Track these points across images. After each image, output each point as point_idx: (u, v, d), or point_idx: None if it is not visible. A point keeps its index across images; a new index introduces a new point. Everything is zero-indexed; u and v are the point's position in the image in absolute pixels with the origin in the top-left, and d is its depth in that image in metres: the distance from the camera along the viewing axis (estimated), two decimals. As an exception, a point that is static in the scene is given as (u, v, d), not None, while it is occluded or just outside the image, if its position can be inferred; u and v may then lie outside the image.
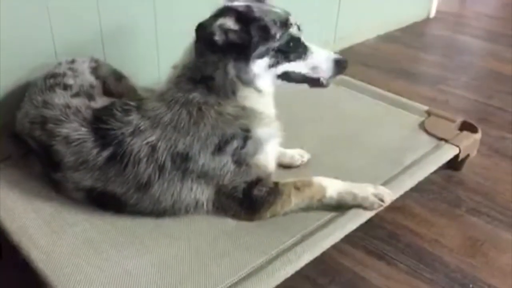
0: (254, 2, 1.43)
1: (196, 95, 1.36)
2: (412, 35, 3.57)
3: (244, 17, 1.32)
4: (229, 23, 1.30)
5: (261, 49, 1.36)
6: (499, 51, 3.33)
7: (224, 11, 1.33)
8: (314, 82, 1.49)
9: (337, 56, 1.48)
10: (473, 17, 4.01)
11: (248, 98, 1.41)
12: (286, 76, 1.46)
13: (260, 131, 1.41)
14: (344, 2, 3.04)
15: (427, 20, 3.87)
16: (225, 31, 1.30)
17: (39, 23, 1.76)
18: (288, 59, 1.42)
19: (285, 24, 1.39)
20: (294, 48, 1.42)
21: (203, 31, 1.30)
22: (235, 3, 1.39)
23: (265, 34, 1.34)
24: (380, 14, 3.42)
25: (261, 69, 1.39)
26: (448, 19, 3.90)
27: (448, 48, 3.38)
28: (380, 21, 3.46)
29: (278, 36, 1.36)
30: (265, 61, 1.39)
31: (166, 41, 2.20)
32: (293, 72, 1.46)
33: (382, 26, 3.50)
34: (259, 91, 1.42)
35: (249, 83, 1.39)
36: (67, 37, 1.85)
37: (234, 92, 1.38)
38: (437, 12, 3.92)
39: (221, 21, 1.29)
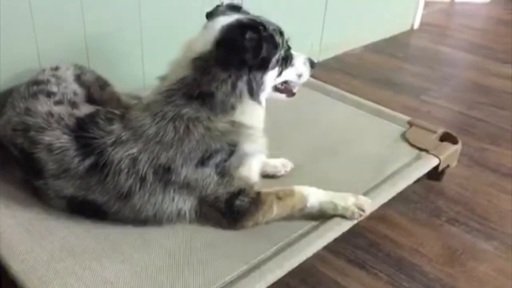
0: (243, 13, 1.46)
1: (189, 111, 1.35)
2: (397, 45, 3.62)
3: (261, 30, 1.35)
4: (254, 37, 1.32)
5: (273, 60, 1.41)
6: (481, 63, 3.39)
7: (238, 26, 1.34)
8: (288, 91, 1.57)
9: (307, 57, 1.57)
10: (456, 29, 4.08)
11: (245, 112, 1.41)
12: (279, 86, 1.53)
13: (247, 146, 1.42)
14: (330, 12, 3.08)
15: (411, 31, 3.92)
16: (253, 46, 1.31)
17: (23, 29, 1.76)
18: (286, 67, 1.49)
19: (281, 32, 1.45)
20: (289, 56, 1.49)
21: (231, 47, 1.32)
22: (233, 17, 1.40)
23: (274, 44, 1.39)
24: (366, 25, 3.47)
25: (270, 80, 1.45)
26: (432, 31, 3.96)
27: (431, 59, 3.43)
28: (366, 31, 3.50)
29: (281, 45, 1.42)
30: (274, 71, 1.44)
31: (151, 47, 2.20)
32: (285, 81, 1.54)
33: (368, 36, 3.55)
34: (260, 103, 1.45)
35: (257, 96, 1.42)
36: (51, 43, 1.84)
37: (233, 107, 1.38)
38: (421, 23, 3.98)
39: (249, 35, 1.30)
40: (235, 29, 1.34)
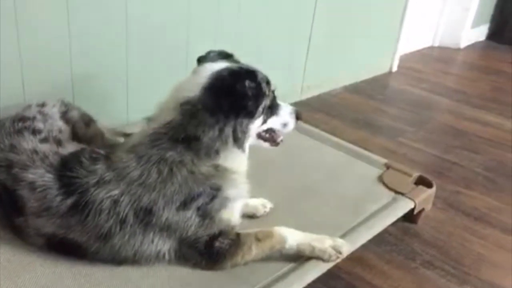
0: (232, 61, 1.51)
1: (173, 154, 1.37)
2: (376, 87, 3.74)
3: (253, 78, 1.40)
4: (253, 85, 1.38)
5: (259, 108, 1.44)
6: (455, 107, 3.52)
7: (231, 74, 1.39)
8: (272, 140, 1.59)
9: (294, 108, 1.60)
10: (432, 73, 4.23)
11: (228, 157, 1.43)
12: (263, 134, 1.55)
13: (229, 190, 1.43)
14: (311, 53, 3.18)
15: (389, 74, 4.06)
16: (254, 94, 1.37)
17: (9, 64, 1.78)
18: (271, 115, 1.52)
19: (268, 81, 1.48)
20: (275, 105, 1.52)
21: (225, 93, 1.35)
22: (221, 64, 1.45)
23: (261, 92, 1.42)
24: (346, 66, 3.58)
25: (255, 128, 1.48)
26: (409, 74, 4.11)
27: (408, 102, 3.55)
28: (346, 72, 3.62)
29: (267, 93, 1.45)
30: (260, 120, 1.48)
31: (136, 84, 2.24)
32: (270, 129, 1.56)
33: (348, 78, 3.66)
34: (243, 150, 1.47)
35: (241, 144, 1.44)
36: (37, 78, 1.87)
37: (217, 152, 1.40)
38: (399, 66, 4.13)
39: (248, 83, 1.36)
40: (229, 77, 1.38)
